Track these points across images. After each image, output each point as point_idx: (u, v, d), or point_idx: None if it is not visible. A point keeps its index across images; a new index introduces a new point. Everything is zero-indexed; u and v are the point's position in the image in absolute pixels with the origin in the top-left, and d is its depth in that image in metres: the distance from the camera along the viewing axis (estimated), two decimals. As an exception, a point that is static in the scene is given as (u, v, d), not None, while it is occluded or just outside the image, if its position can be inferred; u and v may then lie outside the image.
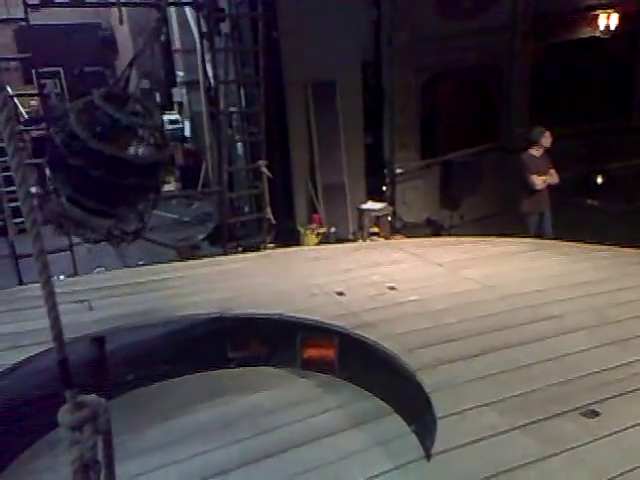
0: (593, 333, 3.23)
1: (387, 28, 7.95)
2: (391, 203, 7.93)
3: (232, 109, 8.19)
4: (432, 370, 2.83)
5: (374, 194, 7.99)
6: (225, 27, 7.98)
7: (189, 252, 6.53)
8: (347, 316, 3.42)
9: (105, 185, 2.97)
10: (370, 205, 7.75)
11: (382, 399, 2.99)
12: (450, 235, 7.73)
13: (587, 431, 2.42)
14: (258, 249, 6.05)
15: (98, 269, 5.92)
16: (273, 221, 7.29)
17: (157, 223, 8.41)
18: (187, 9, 9.26)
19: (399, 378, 2.90)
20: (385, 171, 8.19)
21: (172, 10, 10.47)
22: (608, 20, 9.26)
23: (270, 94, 7.65)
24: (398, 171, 8.15)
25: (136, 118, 3.07)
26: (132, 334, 3.37)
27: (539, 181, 6.68)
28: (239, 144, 8.46)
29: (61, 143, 3.00)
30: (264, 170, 7.23)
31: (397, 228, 7.83)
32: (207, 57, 8.21)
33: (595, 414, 2.50)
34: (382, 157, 8.26)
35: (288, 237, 7.47)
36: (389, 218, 7.70)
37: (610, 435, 2.38)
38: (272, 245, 7.00)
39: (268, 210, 7.20)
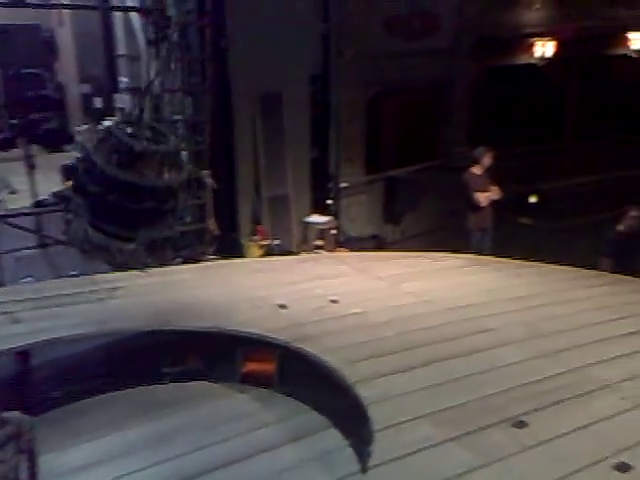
0: (525, 346, 3.35)
1: (336, 43, 8.07)
2: (336, 217, 8.00)
3: (177, 117, 8.07)
4: (370, 383, 2.85)
5: (319, 208, 8.03)
6: (172, 34, 7.86)
7: (125, 262, 6.29)
8: (288, 329, 3.40)
9: (123, 210, 3.17)
10: (315, 218, 7.78)
11: (321, 413, 2.98)
12: (392, 250, 7.86)
13: (517, 441, 2.49)
14: (199, 261, 5.91)
15: (27, 279, 5.62)
16: (216, 232, 7.18)
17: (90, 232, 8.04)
18: (133, 14, 9.09)
19: (338, 391, 2.90)
20: (330, 185, 8.26)
21: (117, 15, 10.24)
22: (544, 48, 9.78)
23: (217, 104, 7.57)
24: (343, 185, 8.24)
25: (149, 144, 3.23)
26: (61, 348, 3.22)
27: (483, 198, 6.92)
28: (183, 153, 8.32)
29: (82, 171, 3.19)
30: (208, 180, 7.13)
31: (341, 242, 7.88)
32: (153, 64, 8.06)
33: (524, 424, 2.59)
34: (328, 171, 8.33)
35: (231, 249, 7.36)
36: (333, 232, 7.75)
37: (539, 445, 2.46)
38: (214, 257, 6.88)
39: (211, 221, 7.09)
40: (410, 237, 8.63)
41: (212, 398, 3.19)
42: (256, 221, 7.70)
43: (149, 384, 3.25)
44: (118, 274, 4.78)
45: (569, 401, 2.79)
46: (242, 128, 7.69)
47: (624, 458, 2.34)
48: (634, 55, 10.34)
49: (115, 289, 4.00)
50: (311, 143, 8.11)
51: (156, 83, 7.85)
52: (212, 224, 7.10)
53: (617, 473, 2.28)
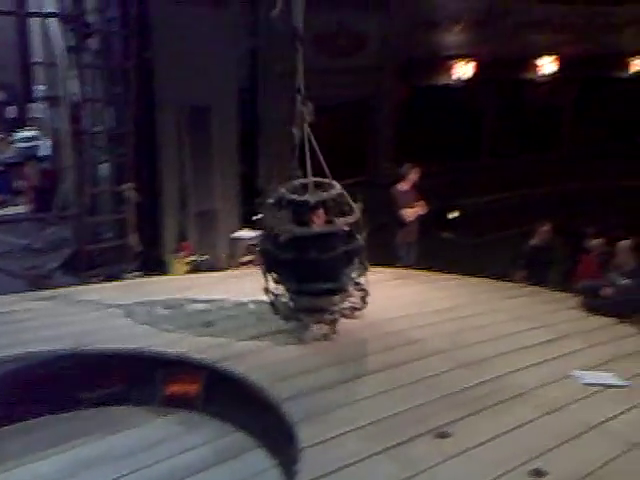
0: (448, 357, 3.45)
1: (264, 58, 8.06)
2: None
3: (97, 128, 7.77)
4: (297, 400, 2.83)
5: (248, 223, 7.95)
6: (94, 42, 7.59)
7: (40, 282, 5.93)
8: (214, 348, 3.32)
9: (320, 263, 3.32)
10: (243, 233, 7.69)
11: (247, 433, 2.91)
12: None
13: (441, 451, 2.55)
14: (120, 279, 5.68)
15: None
16: (139, 249, 6.92)
17: (3, 249, 7.56)
18: (50, 20, 8.70)
19: (264, 410, 2.85)
20: (259, 200, 8.20)
21: (34, 20, 9.77)
22: (464, 69, 10.23)
23: (140, 115, 7.36)
24: (272, 201, 8.20)
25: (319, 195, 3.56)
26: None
27: (410, 213, 7.10)
28: (104, 165, 8.01)
29: (272, 247, 3.41)
30: (130, 194, 6.88)
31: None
32: (72, 72, 7.74)
33: (448, 435, 2.65)
34: (257, 185, 8.27)
35: (154, 266, 7.11)
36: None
37: (461, 454, 2.53)
38: (136, 274, 6.62)
39: (134, 237, 6.83)
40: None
41: (134, 422, 3.05)
42: (181, 237, 7.50)
43: (67, 410, 3.06)
44: (30, 294, 4.51)
45: (489, 410, 2.90)
46: (167, 141, 7.51)
47: (539, 464, 2.44)
48: (541, 80, 11.03)
49: (27, 310, 3.76)
50: (240, 158, 8.04)
51: (76, 91, 7.55)
52: (134, 240, 6.84)
53: (533, 479, 2.37)
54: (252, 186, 8.17)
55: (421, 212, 7.20)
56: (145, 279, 5.63)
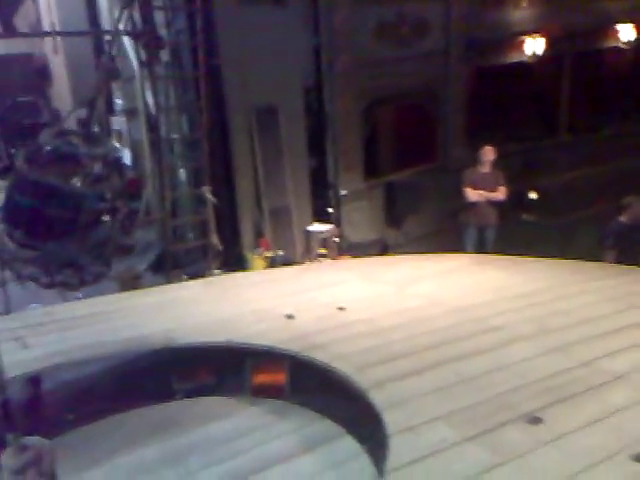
0: (534, 342, 3.34)
1: (327, 53, 8.12)
2: (337, 224, 8.02)
3: (173, 136, 8.13)
4: (382, 388, 2.84)
5: (320, 216, 8.05)
6: (165, 55, 7.94)
7: (131, 283, 6.31)
8: (297, 339, 3.39)
9: (37, 216, 2.74)
10: (317, 227, 7.79)
11: (334, 421, 2.97)
12: (396, 253, 7.86)
13: (533, 438, 2.48)
14: (204, 276, 5.93)
15: (33, 305, 5.63)
16: (219, 247, 7.19)
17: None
18: (125, 37, 9.18)
19: (350, 398, 2.89)
20: (330, 193, 8.29)
21: (107, 37, 10.33)
22: (534, 45, 9.82)
23: (213, 120, 7.63)
24: (343, 193, 8.27)
25: (72, 146, 2.87)
26: (72, 371, 3.22)
27: (471, 194, 6.93)
28: (181, 170, 8.37)
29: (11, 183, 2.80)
30: (208, 196, 7.16)
31: (344, 249, 7.90)
32: (147, 85, 8.13)
33: (539, 421, 2.58)
34: (327, 180, 8.36)
35: (235, 263, 7.38)
36: (336, 239, 7.76)
37: (555, 440, 2.45)
38: (219, 272, 6.88)
39: (214, 236, 7.11)
40: (413, 240, 8.63)
41: (224, 413, 3.18)
42: (259, 234, 7.72)
43: (161, 402, 3.24)
44: (123, 295, 4.81)
45: (582, 395, 2.78)
46: (239, 143, 7.74)
47: (639, 449, 2.32)
48: (624, 47, 10.39)
49: (121, 309, 4.01)
50: (309, 153, 8.15)
51: (151, 103, 7.93)
52: (215, 239, 7.12)
53: (635, 463, 2.26)
54: (322, 180, 8.26)
55: (491, 197, 6.99)
56: (226, 275, 5.83)
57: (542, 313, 3.74)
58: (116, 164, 3.04)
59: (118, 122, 11.12)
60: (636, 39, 10.28)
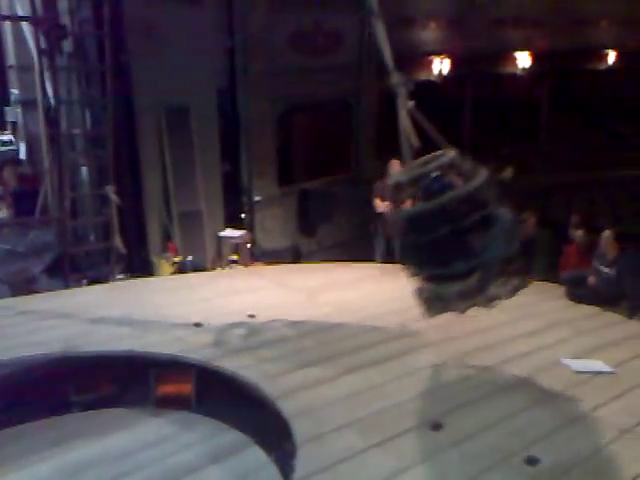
0: (437, 349, 3.49)
1: (242, 57, 8.02)
2: (250, 230, 7.92)
3: (75, 131, 7.66)
4: (292, 396, 2.84)
5: (233, 222, 7.91)
6: (67, 45, 7.48)
7: (25, 287, 5.84)
8: (205, 347, 3.31)
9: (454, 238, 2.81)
10: (229, 233, 7.65)
11: (242, 431, 2.92)
12: (309, 261, 7.90)
13: (434, 443, 2.58)
14: (106, 281, 5.62)
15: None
16: (123, 251, 6.85)
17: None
18: (24, 23, 8.56)
19: (259, 407, 2.86)
20: (243, 199, 8.18)
21: (7, 24, 9.60)
22: (441, 65, 10.32)
23: (119, 117, 7.27)
24: (256, 199, 8.18)
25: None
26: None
27: (380, 205, 7.15)
28: (84, 168, 7.90)
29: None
30: (112, 196, 6.79)
31: (256, 255, 7.81)
32: (47, 75, 7.62)
33: (440, 426, 2.68)
34: (240, 185, 8.24)
35: (140, 268, 7.04)
36: (248, 245, 7.66)
37: (455, 445, 2.56)
38: (122, 276, 6.55)
39: (117, 239, 6.75)
40: (326, 248, 8.71)
41: (126, 425, 3.03)
42: (167, 237, 7.45)
43: (60, 414, 3.02)
44: (16, 299, 4.45)
45: (480, 401, 2.93)
46: (147, 142, 7.43)
47: (533, 452, 2.48)
48: (520, 73, 11.19)
49: (15, 315, 3.71)
50: (222, 157, 8.00)
51: (51, 95, 7.44)
52: (118, 242, 6.77)
53: (527, 467, 2.41)
54: (236, 185, 8.14)
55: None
56: (132, 280, 5.57)
57: (443, 321, 3.89)
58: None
59: (13, 113, 10.33)
60: (531, 66, 11.11)
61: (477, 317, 3.94)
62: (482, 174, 3.08)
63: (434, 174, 3.10)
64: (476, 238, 2.91)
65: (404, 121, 3.33)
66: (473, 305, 3.02)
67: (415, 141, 3.35)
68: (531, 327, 3.85)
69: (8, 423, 2.91)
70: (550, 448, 2.54)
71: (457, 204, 2.93)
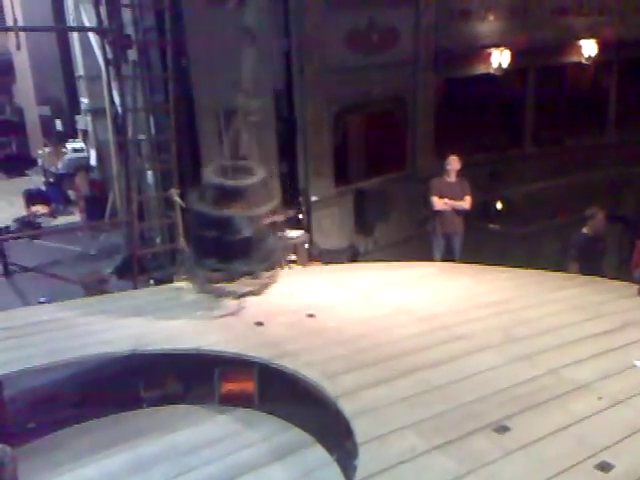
0: (501, 351, 3.40)
1: (297, 59, 8.11)
2: (307, 231, 7.99)
3: (141, 137, 7.97)
4: (352, 396, 2.84)
5: (290, 222, 8.02)
6: (132, 54, 7.78)
7: (96, 287, 6.15)
8: (266, 346, 3.37)
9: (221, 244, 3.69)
10: (287, 233, 7.75)
11: (303, 429, 2.95)
12: (366, 260, 7.89)
13: (499, 446, 2.51)
14: (171, 281, 5.83)
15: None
16: (187, 252, 7.06)
17: (60, 257, 7.89)
18: (91, 34, 8.98)
19: (320, 406, 2.88)
20: (301, 199, 8.27)
21: (74, 35, 10.10)
22: (500, 57, 10.05)
23: (181, 121, 7.51)
24: (313, 199, 8.26)
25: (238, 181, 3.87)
26: (35, 377, 3.12)
27: (438, 202, 7.03)
28: (149, 173, 8.22)
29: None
30: (176, 199, 7.02)
31: (314, 255, 7.88)
32: (114, 84, 7.97)
33: (506, 429, 2.62)
34: (297, 185, 8.33)
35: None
36: (306, 245, 7.73)
37: (521, 449, 2.49)
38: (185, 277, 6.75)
39: (181, 241, 6.98)
40: (383, 247, 8.68)
41: (192, 421, 3.13)
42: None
43: (128, 410, 3.17)
44: (88, 299, 4.69)
45: (547, 403, 2.84)
46: (209, 145, 7.64)
47: (605, 457, 2.38)
48: (585, 62, 10.72)
49: (88, 314, 3.90)
50: (279, 158, 8.11)
51: (118, 103, 7.77)
52: (183, 244, 6.99)
53: (599, 472, 2.32)
54: (293, 186, 8.23)
55: (455, 206, 7.09)
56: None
57: (509, 322, 3.81)
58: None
59: (84, 122, 10.87)
60: (597, 55, 10.63)
61: (539, 319, 3.84)
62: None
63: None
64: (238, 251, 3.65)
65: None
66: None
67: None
68: (602, 327, 3.69)
69: (80, 418, 3.06)
70: (623, 453, 2.42)
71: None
